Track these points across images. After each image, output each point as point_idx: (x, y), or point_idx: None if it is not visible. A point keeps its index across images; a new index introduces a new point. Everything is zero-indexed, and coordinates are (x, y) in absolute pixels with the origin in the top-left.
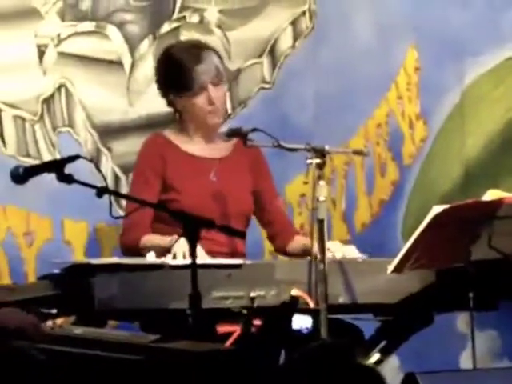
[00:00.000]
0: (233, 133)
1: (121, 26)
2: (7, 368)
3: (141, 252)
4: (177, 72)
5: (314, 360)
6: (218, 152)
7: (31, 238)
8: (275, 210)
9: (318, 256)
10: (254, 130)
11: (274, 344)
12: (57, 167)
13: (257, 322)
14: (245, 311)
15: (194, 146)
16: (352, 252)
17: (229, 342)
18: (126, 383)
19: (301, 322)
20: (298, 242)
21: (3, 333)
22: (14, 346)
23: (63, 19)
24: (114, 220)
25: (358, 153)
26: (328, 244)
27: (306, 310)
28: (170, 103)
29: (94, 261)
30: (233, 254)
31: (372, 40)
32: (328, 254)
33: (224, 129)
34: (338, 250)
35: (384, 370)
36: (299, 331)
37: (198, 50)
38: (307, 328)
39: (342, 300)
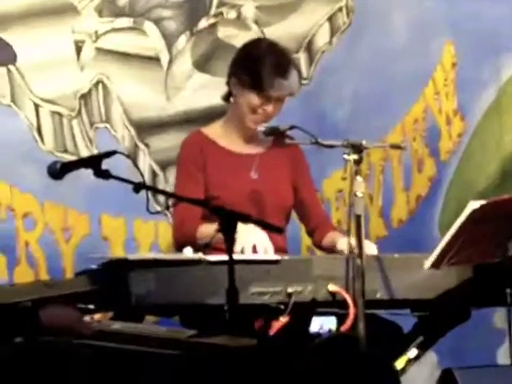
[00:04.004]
0: (271, 131)
1: (158, 22)
2: (52, 361)
3: (198, 245)
4: (259, 70)
5: (324, 352)
6: (256, 148)
7: (69, 234)
8: (313, 204)
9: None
10: (292, 127)
11: (291, 344)
12: (94, 163)
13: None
14: (282, 307)
15: (233, 143)
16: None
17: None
18: (163, 378)
19: (324, 323)
20: (329, 237)
21: (52, 332)
22: (59, 340)
23: (100, 15)
24: (152, 215)
25: (395, 147)
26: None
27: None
28: (228, 83)
29: (131, 256)
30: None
31: (409, 36)
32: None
33: (261, 127)
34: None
35: (422, 366)
36: (319, 333)
37: (287, 63)
38: (330, 330)
39: (379, 296)
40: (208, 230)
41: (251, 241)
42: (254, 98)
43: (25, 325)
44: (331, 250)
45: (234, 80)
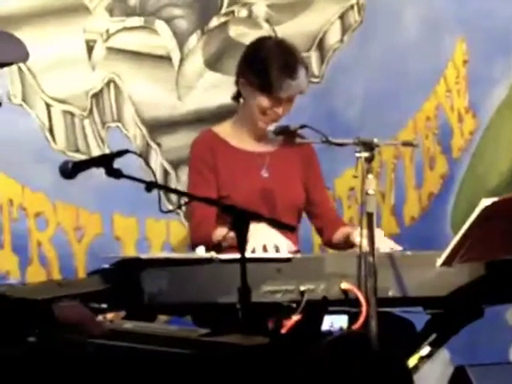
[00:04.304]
0: (281, 131)
1: (169, 20)
2: (63, 361)
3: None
4: (267, 72)
5: (335, 350)
6: (267, 147)
7: (81, 234)
8: (324, 202)
9: (367, 249)
10: (302, 126)
11: (303, 342)
12: (106, 162)
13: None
14: (294, 305)
15: (244, 142)
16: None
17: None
18: (175, 377)
19: (336, 322)
20: (341, 231)
21: (64, 327)
22: (69, 339)
23: (112, 14)
24: (164, 215)
25: (407, 144)
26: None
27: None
28: (237, 83)
29: (144, 255)
30: None
31: (420, 33)
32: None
33: (272, 127)
34: (381, 242)
35: (434, 363)
36: (330, 332)
37: (295, 62)
38: (341, 328)
39: (391, 293)
40: (222, 233)
41: (261, 241)
42: (263, 101)
43: (39, 318)
44: (342, 245)
45: (243, 80)
